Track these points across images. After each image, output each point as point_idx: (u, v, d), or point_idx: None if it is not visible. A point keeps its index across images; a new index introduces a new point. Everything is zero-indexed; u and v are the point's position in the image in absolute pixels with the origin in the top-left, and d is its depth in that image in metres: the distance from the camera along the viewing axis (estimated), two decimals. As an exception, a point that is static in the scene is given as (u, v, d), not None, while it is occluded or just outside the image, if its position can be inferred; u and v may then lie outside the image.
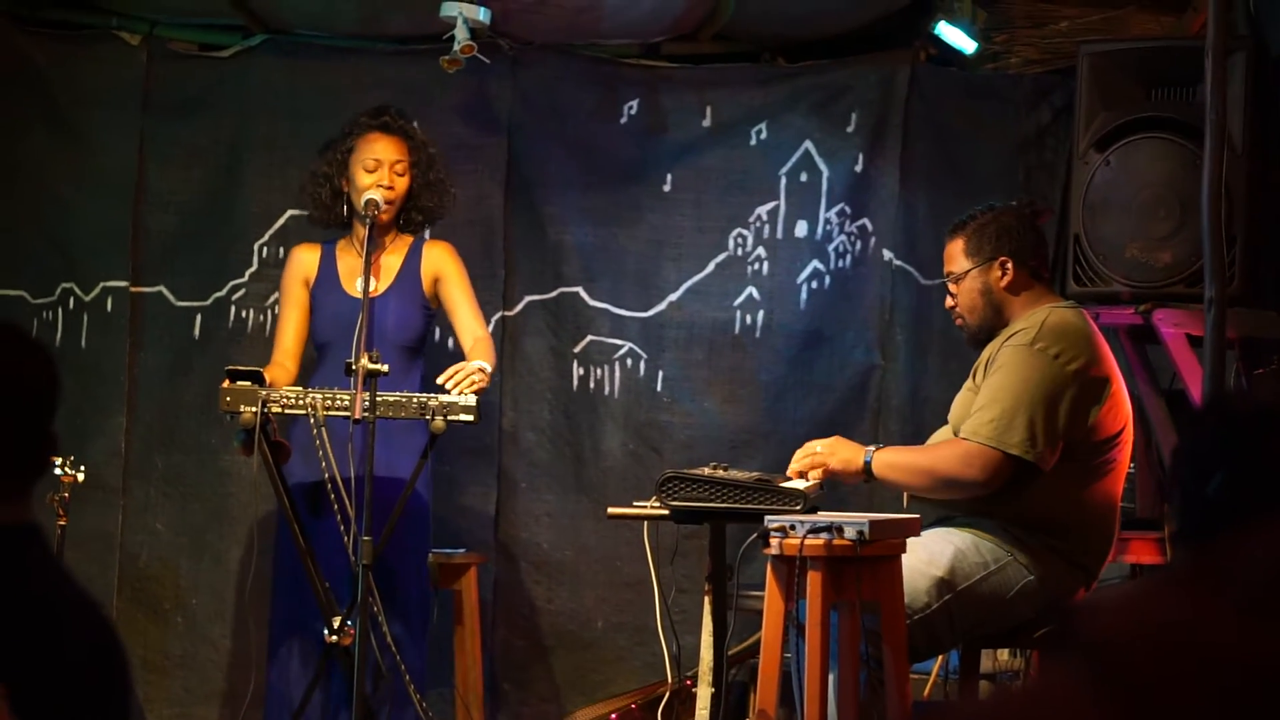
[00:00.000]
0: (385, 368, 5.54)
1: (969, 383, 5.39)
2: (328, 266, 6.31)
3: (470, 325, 6.27)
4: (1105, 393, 5.22)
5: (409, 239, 6.35)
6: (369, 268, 5.90)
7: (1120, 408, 5.27)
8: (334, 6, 6.97)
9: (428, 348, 6.45)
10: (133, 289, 7.13)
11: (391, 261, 6.30)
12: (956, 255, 5.45)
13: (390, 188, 6.21)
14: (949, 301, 5.50)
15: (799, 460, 5.28)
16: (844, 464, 5.24)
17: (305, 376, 6.31)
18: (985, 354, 5.36)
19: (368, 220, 6.04)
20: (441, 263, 6.33)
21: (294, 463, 6.01)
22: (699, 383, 7.13)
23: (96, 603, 2.76)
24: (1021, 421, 5.10)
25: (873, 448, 5.28)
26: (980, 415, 5.15)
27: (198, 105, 7.19)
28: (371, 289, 6.14)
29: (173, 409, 7.13)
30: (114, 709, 2.58)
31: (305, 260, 6.36)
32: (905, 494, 5.44)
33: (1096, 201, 6.28)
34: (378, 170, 6.21)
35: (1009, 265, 5.38)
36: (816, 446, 5.29)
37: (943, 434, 5.45)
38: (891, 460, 5.26)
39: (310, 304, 6.32)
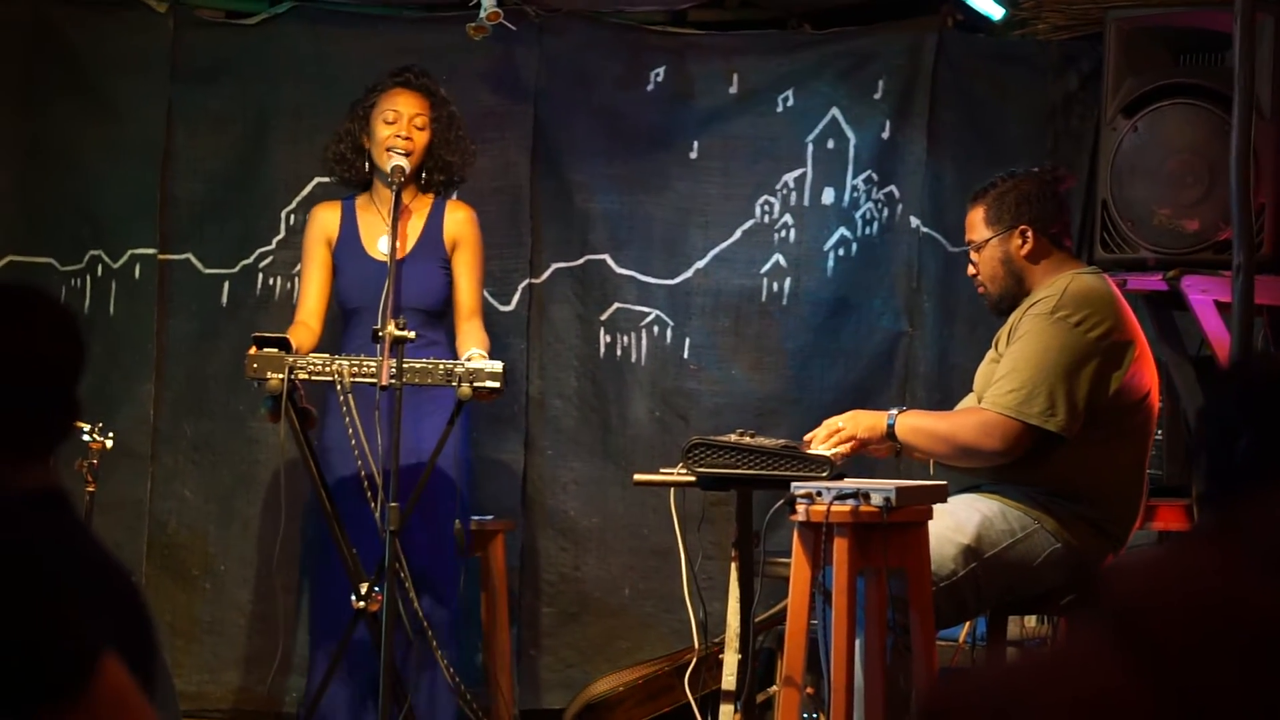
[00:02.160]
0: (413, 334, 5.55)
1: (992, 352, 5.38)
2: (349, 225, 6.30)
3: (467, 303, 6.26)
4: (1129, 357, 5.21)
5: (430, 199, 6.33)
6: (395, 233, 5.89)
7: (1145, 372, 5.26)
8: (361, -27, 6.98)
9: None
10: (160, 256, 7.14)
11: (414, 223, 6.28)
12: (977, 223, 5.44)
13: (408, 138, 6.20)
14: (970, 270, 5.49)
15: (823, 440, 5.25)
16: (870, 431, 5.24)
17: (332, 340, 6.31)
18: (1008, 323, 5.35)
19: (394, 185, 6.03)
20: (462, 230, 6.31)
21: (333, 455, 6.01)
22: (726, 350, 7.13)
23: (124, 568, 2.77)
24: (1043, 392, 5.10)
25: (895, 410, 5.27)
26: (1001, 385, 5.15)
27: (225, 73, 7.19)
28: (390, 253, 6.16)
29: (201, 376, 7.14)
30: (141, 674, 2.58)
31: (326, 220, 6.34)
32: (931, 462, 5.44)
33: (1124, 168, 6.26)
34: (397, 122, 6.20)
35: (1029, 233, 5.37)
36: (838, 422, 5.28)
37: (969, 403, 5.44)
38: (915, 424, 5.26)
39: (333, 265, 6.31)
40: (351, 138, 6.28)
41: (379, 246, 6.19)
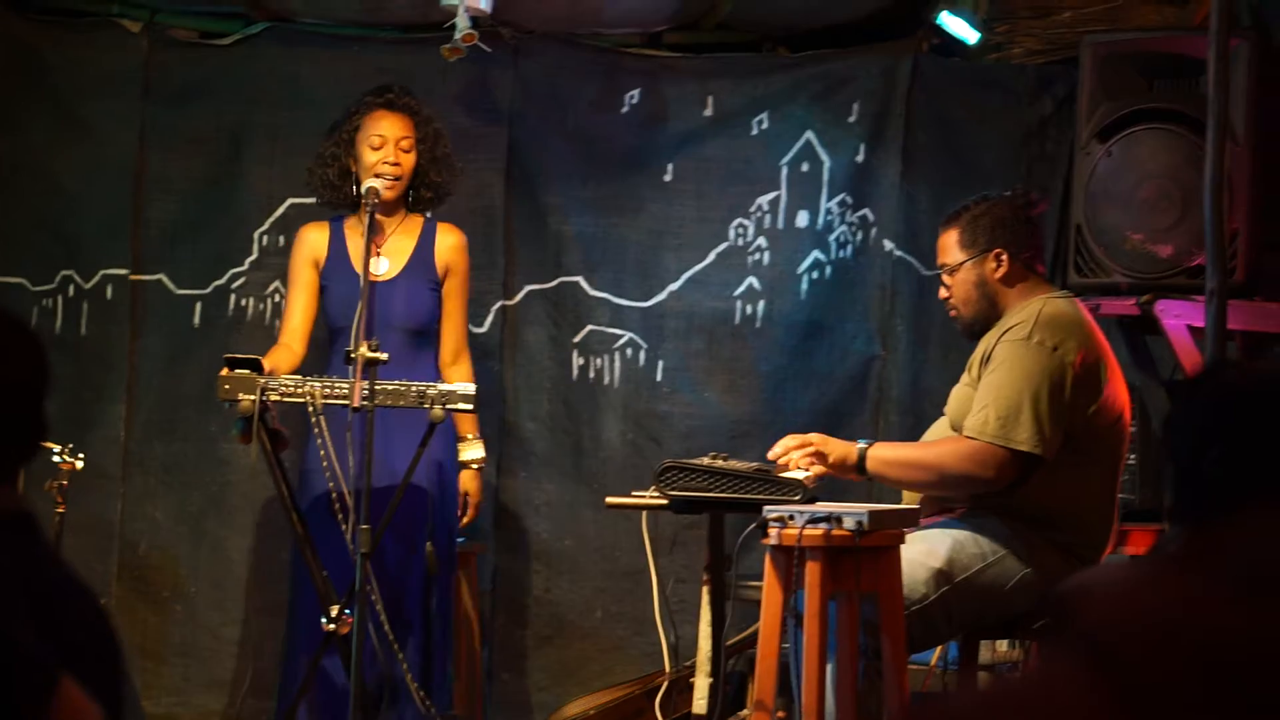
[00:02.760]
0: (385, 356, 5.53)
1: (965, 377, 5.37)
2: (337, 246, 6.28)
3: (453, 341, 6.33)
4: (1102, 382, 5.21)
5: (419, 219, 6.33)
6: (369, 254, 5.88)
7: (1117, 396, 5.26)
8: (335, -5, 6.98)
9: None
10: (133, 277, 7.13)
11: (403, 243, 6.28)
12: (950, 247, 5.43)
13: (396, 164, 6.21)
14: (943, 293, 5.48)
15: (795, 448, 5.22)
16: (839, 463, 5.22)
17: (317, 359, 6.29)
18: (981, 348, 5.33)
19: (369, 207, 6.02)
20: (455, 258, 6.33)
21: (314, 477, 5.99)
22: (699, 373, 7.13)
23: (90, 591, 2.76)
24: (1027, 416, 5.09)
25: (863, 443, 5.25)
26: (984, 413, 5.13)
27: (199, 93, 7.19)
28: (383, 272, 6.18)
29: (172, 397, 7.12)
30: (108, 698, 2.57)
31: (314, 241, 6.32)
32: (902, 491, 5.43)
33: (1098, 192, 6.27)
34: (383, 147, 6.21)
35: (1004, 257, 5.36)
36: (810, 438, 5.26)
37: (940, 427, 5.43)
38: (889, 457, 5.24)
39: (320, 285, 6.29)
40: (338, 162, 6.26)
41: (372, 266, 6.19)
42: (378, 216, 6.15)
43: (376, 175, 6.16)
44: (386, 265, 6.22)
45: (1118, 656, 1.86)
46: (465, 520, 6.34)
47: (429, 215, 6.37)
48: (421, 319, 6.26)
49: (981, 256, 5.37)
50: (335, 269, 6.26)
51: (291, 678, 6.13)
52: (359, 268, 6.19)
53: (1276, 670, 1.83)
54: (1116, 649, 1.87)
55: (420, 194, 6.31)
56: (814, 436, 5.26)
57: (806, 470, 5.14)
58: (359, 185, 6.20)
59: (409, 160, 6.25)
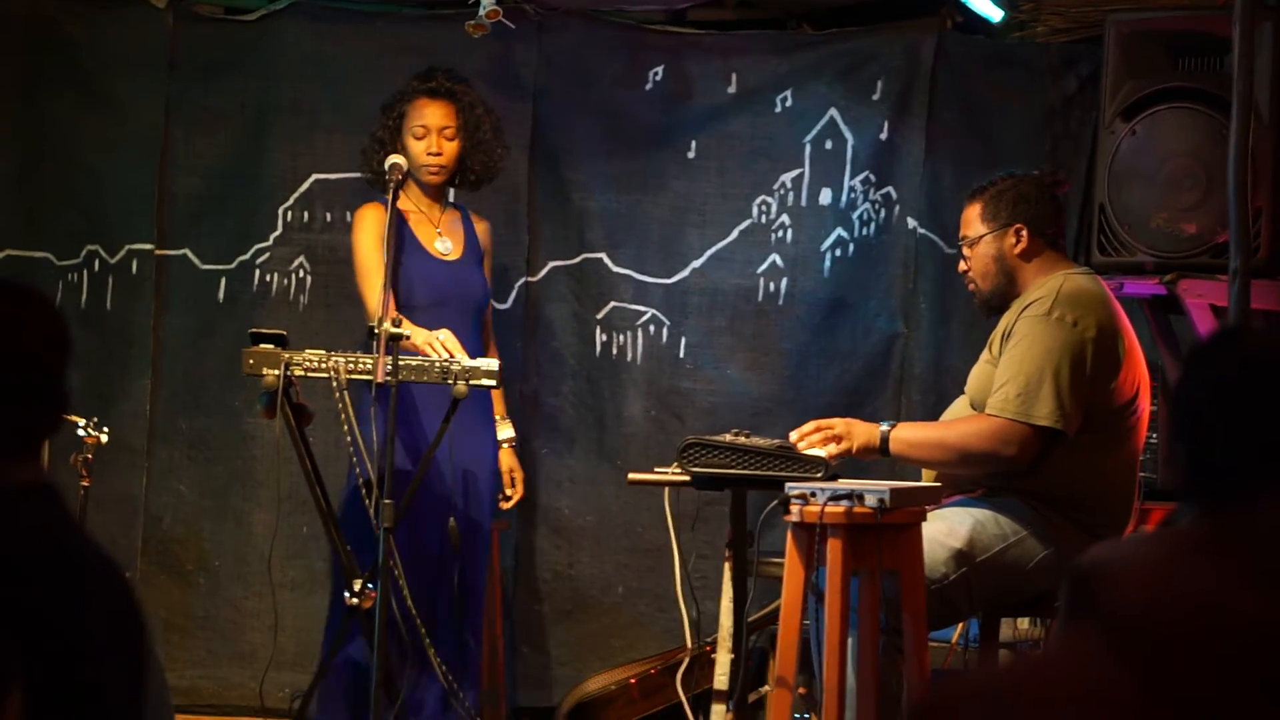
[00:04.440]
0: (407, 331, 5.55)
1: (986, 354, 5.37)
2: (403, 228, 6.28)
3: (489, 318, 6.50)
4: (1121, 357, 5.21)
5: (456, 211, 6.39)
6: (391, 232, 5.87)
7: (1136, 372, 5.26)
8: (360, -30, 6.99)
9: None
10: (158, 252, 7.15)
11: (455, 226, 6.38)
12: (973, 220, 5.43)
13: (439, 153, 6.25)
14: (962, 266, 5.49)
15: (809, 434, 5.22)
16: (864, 447, 5.22)
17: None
18: (1002, 325, 5.34)
19: (391, 183, 6.01)
20: (488, 241, 6.48)
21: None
22: (721, 350, 7.13)
23: (114, 563, 2.77)
24: (1048, 392, 5.09)
25: (886, 425, 5.25)
26: (1006, 390, 5.13)
27: (224, 69, 7.20)
28: (448, 252, 6.29)
29: (197, 372, 7.15)
30: (132, 670, 2.58)
31: (383, 220, 6.20)
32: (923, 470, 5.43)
33: (1122, 171, 6.26)
34: (426, 137, 6.25)
35: (1024, 232, 5.36)
36: (831, 423, 5.25)
37: (959, 405, 5.43)
38: (911, 438, 5.23)
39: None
40: (384, 148, 6.27)
41: (437, 247, 6.24)
42: (429, 198, 6.31)
43: (423, 167, 6.24)
44: (450, 245, 6.28)
45: (1139, 640, 1.87)
46: (517, 498, 6.42)
47: (452, 200, 6.40)
48: (487, 298, 6.43)
49: (1002, 231, 5.37)
50: (410, 252, 6.26)
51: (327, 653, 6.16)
52: (429, 247, 6.24)
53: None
54: (1139, 631, 1.88)
55: (466, 178, 6.35)
56: (836, 421, 5.26)
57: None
58: (409, 170, 6.19)
59: (452, 148, 6.29)
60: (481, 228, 6.46)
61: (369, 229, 6.21)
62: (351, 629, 5.83)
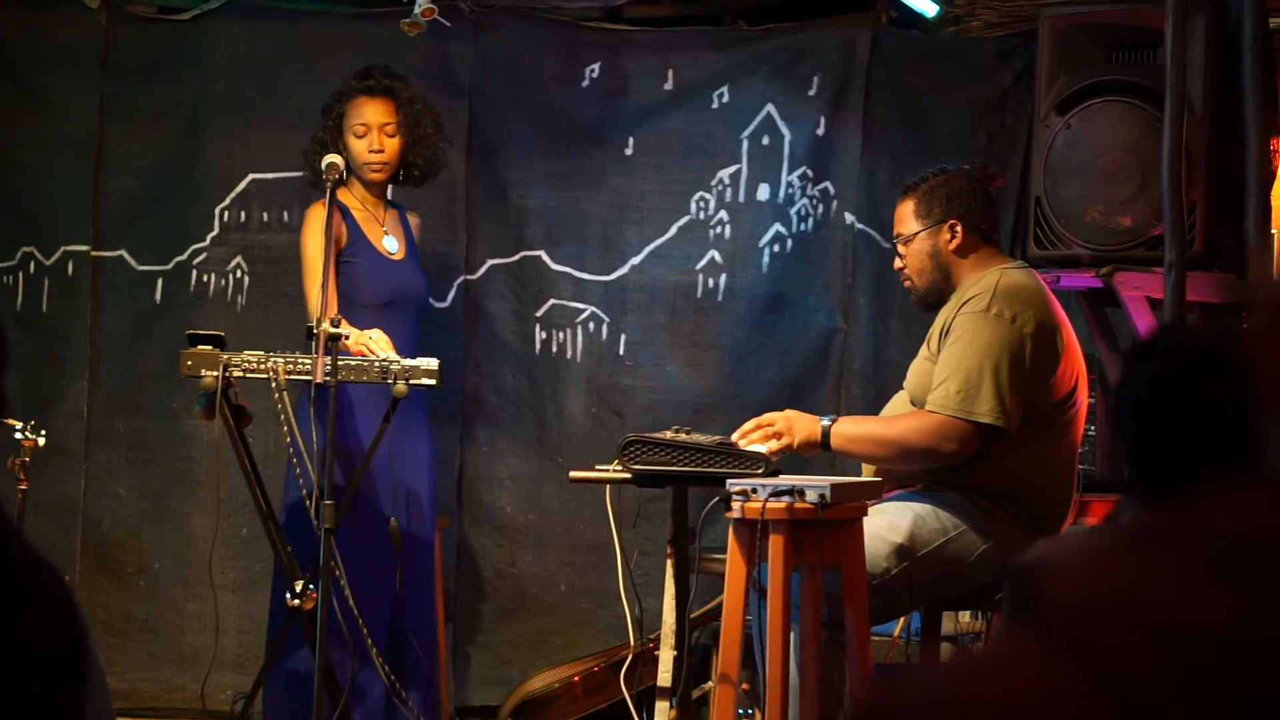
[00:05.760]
0: (346, 331, 5.54)
1: (924, 350, 5.38)
2: (353, 228, 6.26)
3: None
4: (1059, 352, 5.23)
5: (395, 210, 6.39)
6: (330, 229, 5.84)
7: (1074, 366, 5.28)
8: (295, -31, 6.96)
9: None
10: (94, 253, 7.11)
11: (396, 224, 6.40)
12: (906, 217, 5.45)
13: (380, 150, 6.25)
14: (898, 263, 5.50)
15: (749, 430, 5.22)
16: (804, 442, 5.23)
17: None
18: (940, 320, 5.35)
19: (329, 182, 5.98)
20: (420, 238, 6.49)
21: (354, 460, 5.96)
22: (661, 346, 7.14)
23: (53, 567, 2.75)
24: (988, 389, 5.10)
25: (827, 420, 5.25)
26: (946, 386, 5.14)
27: (158, 69, 7.17)
28: (395, 251, 6.29)
29: (135, 373, 7.11)
30: (72, 674, 2.57)
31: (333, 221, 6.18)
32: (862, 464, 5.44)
33: (1057, 165, 6.28)
34: (367, 135, 6.25)
35: (958, 228, 5.37)
36: (771, 419, 5.25)
37: (899, 400, 5.44)
38: (851, 433, 5.24)
39: (340, 264, 6.21)
40: (326, 148, 6.23)
41: (384, 245, 6.24)
42: (373, 197, 6.32)
43: (365, 165, 6.25)
44: (396, 245, 6.29)
45: (1085, 638, 1.87)
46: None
47: (389, 198, 6.40)
48: (429, 297, 6.48)
49: (936, 227, 5.39)
50: (359, 251, 6.24)
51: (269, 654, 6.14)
52: (378, 246, 6.27)
53: (1233, 654, 1.85)
54: (1083, 631, 1.88)
55: (409, 174, 6.35)
56: (776, 416, 5.26)
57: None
58: (349, 168, 6.19)
59: (393, 145, 6.29)
60: (415, 223, 6.48)
61: (317, 228, 6.19)
62: (293, 630, 5.81)
